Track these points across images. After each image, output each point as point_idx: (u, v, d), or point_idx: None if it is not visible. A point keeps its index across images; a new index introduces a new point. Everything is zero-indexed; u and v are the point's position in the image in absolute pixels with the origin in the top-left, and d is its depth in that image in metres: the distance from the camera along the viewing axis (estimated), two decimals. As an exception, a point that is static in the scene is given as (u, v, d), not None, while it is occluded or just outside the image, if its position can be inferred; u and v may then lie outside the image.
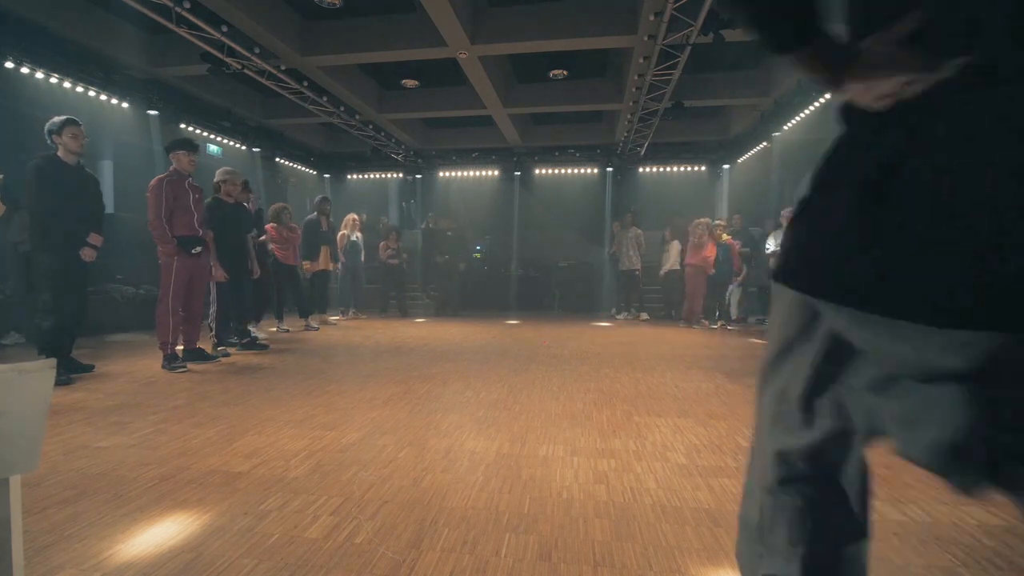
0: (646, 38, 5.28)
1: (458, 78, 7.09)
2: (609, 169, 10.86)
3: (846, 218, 0.66)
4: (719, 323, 7.78)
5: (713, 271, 7.45)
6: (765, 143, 8.61)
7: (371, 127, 8.76)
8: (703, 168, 10.70)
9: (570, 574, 1.43)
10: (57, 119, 3.68)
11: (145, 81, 6.71)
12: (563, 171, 10.85)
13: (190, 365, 4.23)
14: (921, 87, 0.62)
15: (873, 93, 0.67)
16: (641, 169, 10.87)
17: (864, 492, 0.88)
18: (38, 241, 3.65)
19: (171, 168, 4.24)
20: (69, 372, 3.69)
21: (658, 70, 5.89)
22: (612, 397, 3.38)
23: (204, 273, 4.45)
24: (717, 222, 7.87)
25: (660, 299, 9.18)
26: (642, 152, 9.82)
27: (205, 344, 4.68)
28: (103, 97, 6.19)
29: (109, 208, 6.45)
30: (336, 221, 7.99)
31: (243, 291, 5.15)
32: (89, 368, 3.96)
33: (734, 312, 8.15)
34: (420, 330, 7.05)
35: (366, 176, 11.83)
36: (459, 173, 11.19)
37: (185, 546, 1.55)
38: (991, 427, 0.61)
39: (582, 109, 8.61)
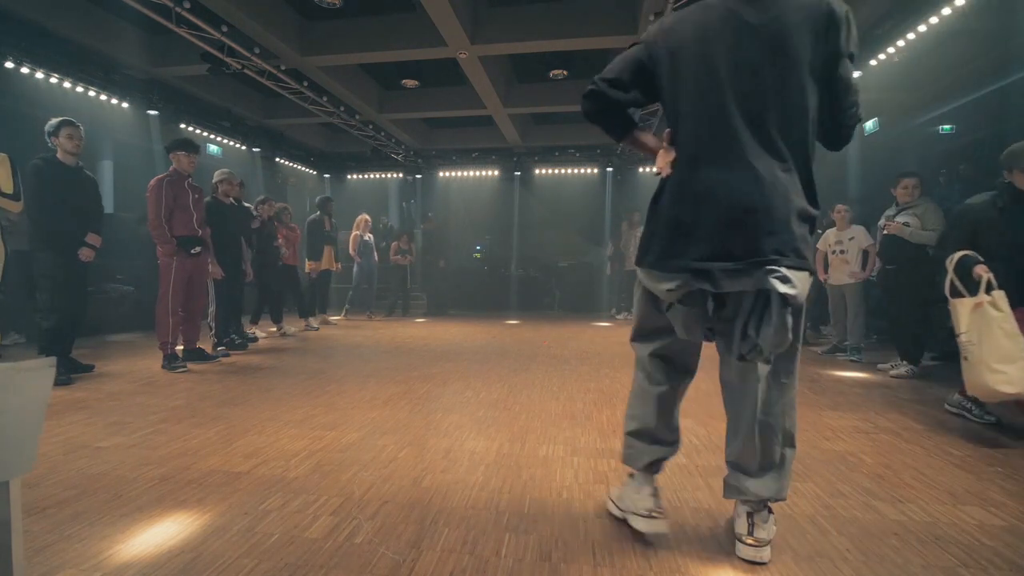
0: (646, 38, 5.28)
1: (458, 78, 7.08)
2: (609, 169, 10.85)
3: (645, 225, 1.54)
4: None
5: None
6: (765, 143, 8.61)
7: (371, 127, 8.76)
8: (703, 168, 10.70)
9: (570, 574, 1.43)
10: (54, 120, 3.69)
11: (145, 81, 6.70)
12: (563, 171, 10.85)
13: (190, 365, 4.23)
14: (672, 163, 1.47)
15: (658, 163, 1.53)
16: (641, 169, 10.87)
17: (687, 356, 1.64)
18: (37, 242, 3.65)
19: (171, 168, 4.24)
20: (69, 372, 3.70)
21: (658, 70, 5.88)
22: (612, 397, 3.37)
23: (204, 273, 4.46)
24: None
25: None
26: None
27: (205, 344, 4.68)
28: (103, 97, 6.19)
29: (109, 208, 6.45)
30: (337, 221, 8.00)
31: (236, 291, 5.17)
32: (89, 368, 3.96)
33: None
34: (420, 330, 7.05)
35: (366, 176, 11.82)
36: (459, 173, 11.18)
37: (185, 546, 1.55)
38: (701, 319, 1.43)
39: (582, 109, 8.59)
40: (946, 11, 4.36)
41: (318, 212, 7.38)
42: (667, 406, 1.64)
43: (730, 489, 1.55)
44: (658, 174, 1.51)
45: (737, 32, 1.36)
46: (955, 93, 6.85)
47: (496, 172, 10.95)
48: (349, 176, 11.81)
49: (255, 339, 5.65)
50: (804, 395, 3.50)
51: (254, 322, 6.12)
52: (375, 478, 2.05)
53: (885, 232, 4.20)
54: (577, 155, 10.42)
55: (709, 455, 2.33)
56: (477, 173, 11.08)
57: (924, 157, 7.34)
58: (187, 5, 4.64)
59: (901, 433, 2.69)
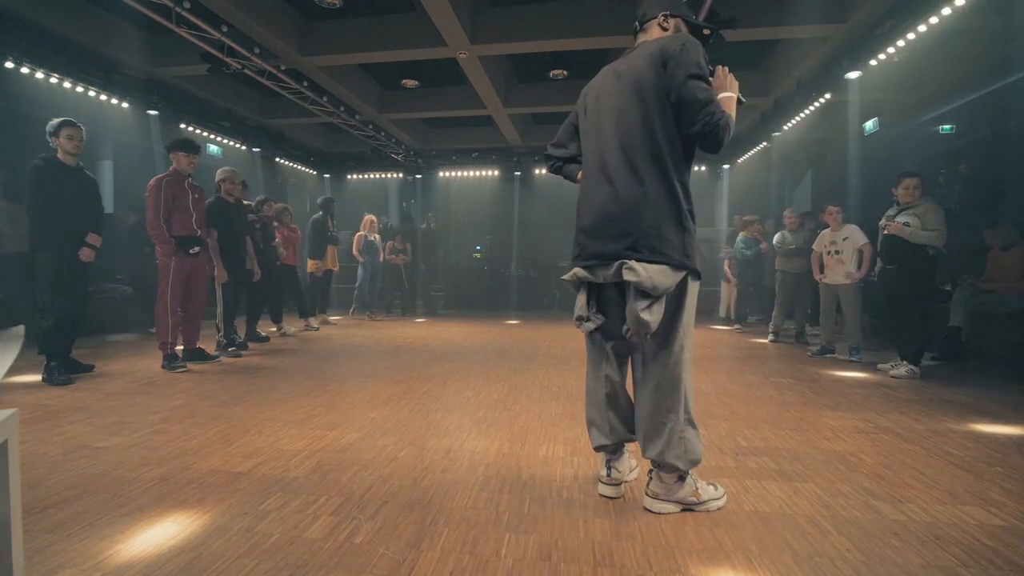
0: (646, 38, 5.28)
1: (458, 78, 7.08)
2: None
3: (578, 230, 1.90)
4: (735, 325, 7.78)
5: None
6: (765, 143, 8.60)
7: (371, 127, 8.75)
8: (703, 168, 10.68)
9: (570, 574, 1.43)
10: (54, 121, 3.68)
11: (145, 81, 6.69)
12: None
13: (190, 365, 4.23)
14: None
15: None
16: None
17: (615, 331, 1.83)
18: (37, 242, 3.65)
19: (171, 168, 4.23)
20: (69, 372, 3.69)
21: (658, 70, 5.88)
22: (612, 397, 3.37)
23: (203, 273, 4.45)
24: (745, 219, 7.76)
25: None
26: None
27: (208, 344, 4.68)
28: (103, 97, 6.18)
29: (109, 208, 6.45)
30: (338, 222, 8.00)
31: (241, 291, 5.16)
32: (89, 368, 3.96)
33: (731, 312, 8.15)
34: (420, 330, 7.05)
35: (366, 176, 11.81)
36: (459, 173, 11.17)
37: (185, 546, 1.55)
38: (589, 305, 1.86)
39: (582, 109, 8.58)
40: (946, 11, 4.36)
41: (321, 212, 7.40)
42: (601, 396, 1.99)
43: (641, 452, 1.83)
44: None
45: (611, 82, 1.81)
46: (955, 93, 6.86)
47: (496, 172, 10.94)
48: (349, 176, 11.80)
49: (266, 339, 5.69)
50: (804, 395, 3.50)
51: (253, 322, 6.12)
52: (375, 478, 2.05)
53: (885, 232, 4.20)
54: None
55: (709, 455, 2.33)
56: (477, 173, 11.07)
57: (924, 157, 7.34)
58: (187, 5, 4.64)
59: (901, 433, 2.69)
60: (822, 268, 5.07)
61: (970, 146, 6.83)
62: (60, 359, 3.68)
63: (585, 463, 2.23)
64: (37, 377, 3.65)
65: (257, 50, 5.61)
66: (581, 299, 1.85)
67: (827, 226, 5.15)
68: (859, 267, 4.81)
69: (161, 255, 4.15)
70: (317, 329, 6.83)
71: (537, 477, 2.08)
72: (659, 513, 1.76)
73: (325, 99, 7.15)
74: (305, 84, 6.62)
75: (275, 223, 6.25)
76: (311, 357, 4.83)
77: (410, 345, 5.63)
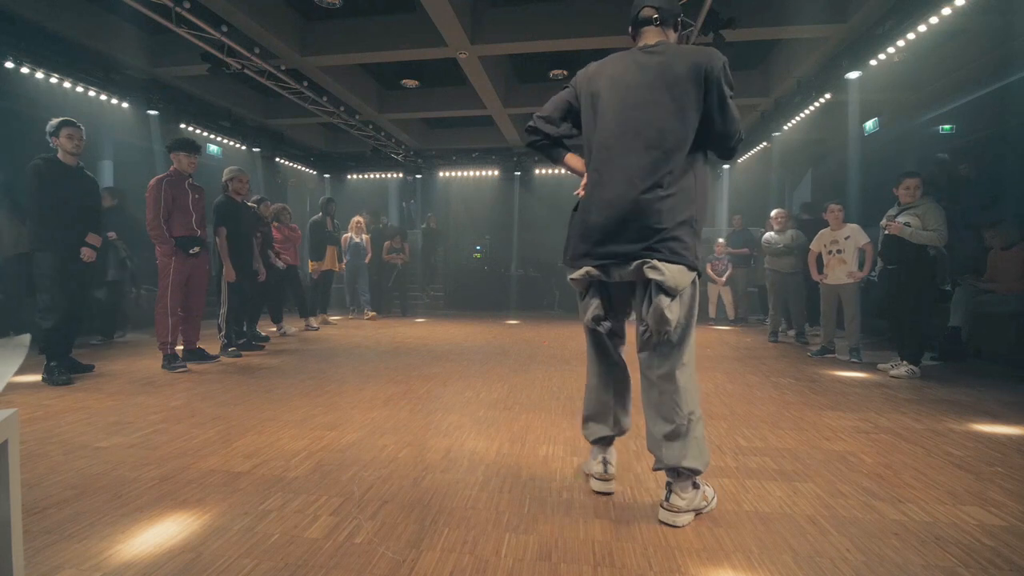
0: (646, 38, 5.27)
1: (458, 78, 7.08)
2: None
3: (572, 229, 1.88)
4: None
5: None
6: (765, 143, 8.60)
7: (371, 127, 8.75)
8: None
9: (570, 574, 1.43)
10: (54, 121, 3.68)
11: (145, 81, 6.69)
12: (563, 171, 10.79)
13: (190, 365, 4.23)
14: (584, 186, 1.87)
15: (581, 187, 1.89)
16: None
17: (620, 330, 1.95)
18: (38, 241, 3.65)
19: (171, 168, 4.23)
20: (69, 372, 3.69)
21: (658, 70, 5.88)
22: (612, 397, 3.37)
23: (203, 273, 4.44)
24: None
25: None
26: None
27: (210, 344, 4.67)
28: (103, 97, 6.18)
29: (109, 208, 6.44)
30: (339, 222, 7.99)
31: (246, 291, 5.14)
32: (89, 368, 3.96)
33: (730, 313, 8.17)
34: (420, 330, 7.05)
35: (366, 176, 11.81)
36: (459, 173, 11.17)
37: (185, 546, 1.55)
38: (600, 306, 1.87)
39: (582, 109, 8.58)
40: (946, 11, 4.35)
41: (320, 213, 7.40)
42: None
43: (655, 461, 1.78)
44: (578, 193, 1.91)
45: (633, 73, 1.75)
46: (955, 93, 6.85)
47: (496, 172, 10.94)
48: (349, 176, 11.79)
49: (267, 339, 5.68)
50: (804, 395, 3.50)
51: (253, 322, 6.11)
52: (375, 478, 2.05)
53: (886, 232, 4.20)
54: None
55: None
56: (477, 173, 11.07)
57: (924, 157, 7.34)
58: (187, 5, 4.63)
59: (901, 433, 2.69)
60: (820, 268, 5.06)
61: (970, 146, 6.83)
62: (60, 359, 3.68)
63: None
64: (37, 377, 3.65)
65: (257, 50, 5.61)
66: (595, 299, 1.85)
67: (822, 225, 5.14)
68: (861, 267, 4.80)
69: (161, 255, 4.15)
70: (317, 329, 6.83)
71: (537, 477, 2.08)
72: (681, 527, 1.69)
73: (325, 99, 7.15)
74: (305, 84, 6.62)
75: (274, 223, 6.25)
76: (311, 357, 4.83)
77: (410, 345, 5.63)
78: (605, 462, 1.95)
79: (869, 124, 8.19)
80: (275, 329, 6.34)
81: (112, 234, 5.47)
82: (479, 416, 2.93)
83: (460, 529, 1.66)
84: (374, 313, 8.39)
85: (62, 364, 3.68)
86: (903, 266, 4.14)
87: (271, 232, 6.11)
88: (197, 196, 4.32)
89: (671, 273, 1.65)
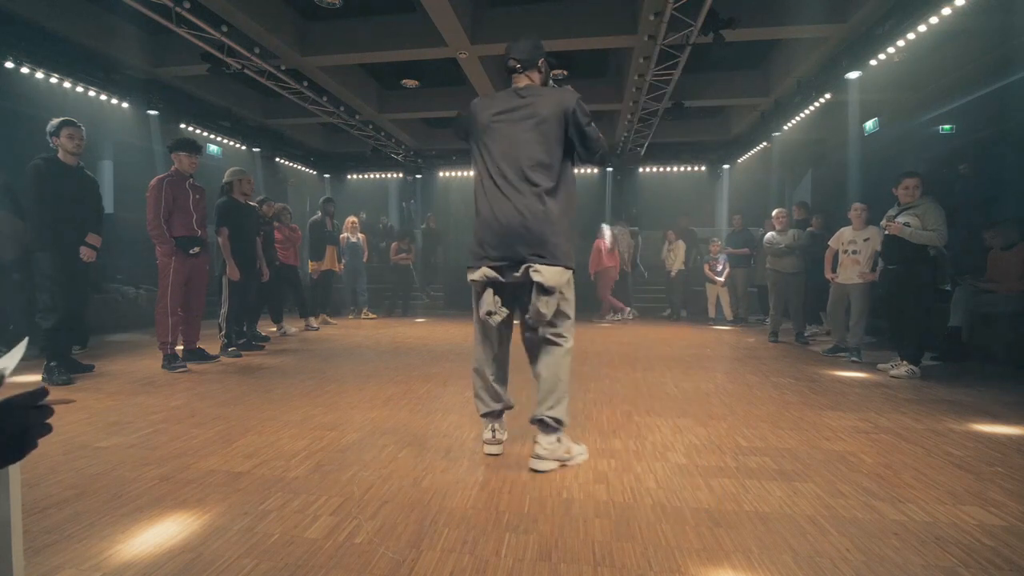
0: (646, 38, 5.27)
1: (458, 78, 7.08)
2: (609, 169, 10.84)
3: (473, 238, 2.27)
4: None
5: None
6: (765, 143, 8.60)
7: (371, 127, 8.75)
8: (703, 168, 10.69)
9: (570, 574, 1.43)
10: (55, 121, 3.68)
11: (145, 81, 6.70)
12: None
13: (190, 365, 4.23)
14: (475, 194, 2.32)
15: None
16: (641, 169, 10.86)
17: (508, 321, 2.29)
18: (38, 242, 3.65)
19: (172, 168, 4.23)
20: (69, 372, 3.69)
21: (658, 70, 5.88)
22: (612, 397, 3.38)
23: (203, 273, 4.44)
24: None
25: (666, 300, 9.19)
26: (642, 152, 9.81)
27: (210, 344, 4.67)
28: (103, 97, 6.19)
29: (109, 208, 6.45)
30: (339, 222, 8.00)
31: (249, 291, 5.14)
32: (89, 368, 3.96)
33: (727, 313, 8.17)
34: (420, 330, 7.05)
35: (366, 176, 11.82)
36: (459, 173, 11.17)
37: (185, 546, 1.55)
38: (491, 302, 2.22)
39: (582, 109, 8.59)
40: (946, 11, 4.36)
41: (319, 213, 7.40)
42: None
43: (533, 418, 2.20)
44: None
45: (513, 113, 2.15)
46: (955, 93, 6.86)
47: (496, 172, 10.94)
48: (349, 176, 11.80)
49: (267, 339, 5.69)
50: (804, 395, 3.50)
51: (253, 322, 6.12)
52: (375, 478, 2.05)
53: (886, 232, 4.20)
54: (577, 155, 10.42)
55: (709, 455, 2.33)
56: (477, 173, 11.07)
57: (924, 157, 7.34)
58: (187, 5, 4.64)
59: (901, 433, 2.69)
60: (835, 267, 5.04)
61: (970, 146, 6.83)
62: (60, 359, 3.68)
63: (585, 463, 2.23)
64: (37, 377, 3.65)
65: (257, 50, 5.62)
66: (489, 296, 2.19)
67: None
68: (874, 269, 4.79)
69: (161, 255, 4.15)
70: (317, 329, 6.84)
71: (537, 477, 2.08)
72: (545, 471, 2.10)
73: (325, 99, 7.15)
74: (305, 84, 6.63)
75: (275, 223, 6.26)
76: (311, 357, 4.83)
77: (410, 345, 5.63)
78: (493, 429, 2.34)
79: (869, 124, 8.19)
80: (275, 329, 6.34)
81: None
82: (479, 416, 2.93)
83: (460, 529, 1.66)
84: (374, 315, 8.43)
85: (62, 364, 3.68)
86: (903, 266, 4.14)
87: (273, 232, 6.12)
88: (198, 196, 4.31)
89: (550, 274, 2.06)
